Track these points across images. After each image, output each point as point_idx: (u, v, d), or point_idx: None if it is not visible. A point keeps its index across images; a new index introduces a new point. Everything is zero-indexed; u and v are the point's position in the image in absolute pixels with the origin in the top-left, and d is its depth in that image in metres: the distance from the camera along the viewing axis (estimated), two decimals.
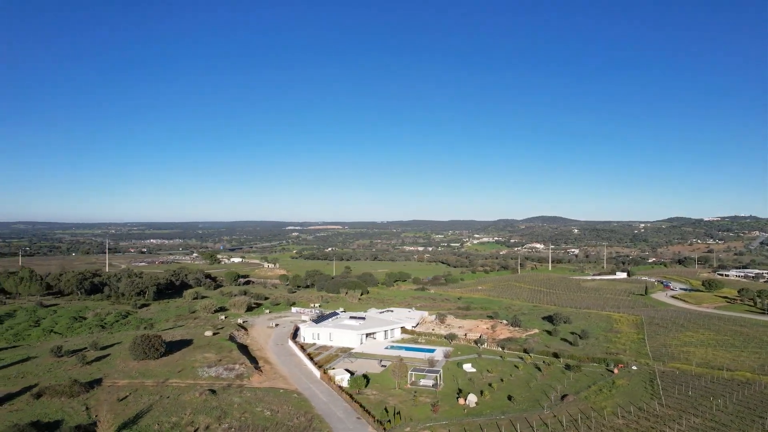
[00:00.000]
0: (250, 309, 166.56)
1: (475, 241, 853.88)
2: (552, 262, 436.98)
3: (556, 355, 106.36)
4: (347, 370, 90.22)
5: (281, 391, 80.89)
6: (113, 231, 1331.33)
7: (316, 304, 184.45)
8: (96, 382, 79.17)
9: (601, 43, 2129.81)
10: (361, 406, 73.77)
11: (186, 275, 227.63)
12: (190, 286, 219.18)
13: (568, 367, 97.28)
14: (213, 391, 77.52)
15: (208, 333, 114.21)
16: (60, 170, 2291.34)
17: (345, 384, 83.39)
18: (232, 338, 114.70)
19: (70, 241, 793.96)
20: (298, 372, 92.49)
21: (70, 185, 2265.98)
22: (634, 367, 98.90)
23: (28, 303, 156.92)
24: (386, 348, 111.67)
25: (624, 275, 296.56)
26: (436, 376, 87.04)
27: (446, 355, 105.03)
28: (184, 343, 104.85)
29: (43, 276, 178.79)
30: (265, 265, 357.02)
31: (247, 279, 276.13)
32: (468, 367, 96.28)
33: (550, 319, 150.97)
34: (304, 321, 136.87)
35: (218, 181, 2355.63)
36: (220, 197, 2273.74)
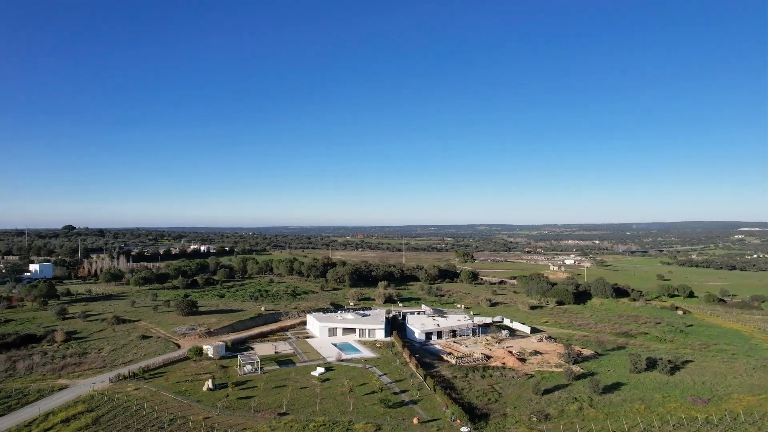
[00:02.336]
0: (391, 301, 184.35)
1: None
2: None
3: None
4: (225, 344, 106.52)
5: (173, 344, 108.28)
6: (546, 232, 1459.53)
7: (461, 305, 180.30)
8: (131, 321, 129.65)
9: None
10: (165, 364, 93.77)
11: (417, 270, 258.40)
12: (417, 279, 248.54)
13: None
14: (146, 338, 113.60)
15: (262, 308, 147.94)
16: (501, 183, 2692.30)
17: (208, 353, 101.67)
18: (278, 314, 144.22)
19: (506, 242, 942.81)
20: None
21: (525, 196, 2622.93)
22: (465, 429, 67.50)
23: (265, 278, 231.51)
24: (333, 343, 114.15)
25: None
26: (253, 366, 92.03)
27: (338, 359, 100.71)
28: (228, 311, 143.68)
29: (302, 263, 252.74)
30: (551, 267, 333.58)
31: (502, 280, 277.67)
32: (319, 370, 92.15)
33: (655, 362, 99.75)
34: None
35: (652, 180, 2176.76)
36: (658, 196, 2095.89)
